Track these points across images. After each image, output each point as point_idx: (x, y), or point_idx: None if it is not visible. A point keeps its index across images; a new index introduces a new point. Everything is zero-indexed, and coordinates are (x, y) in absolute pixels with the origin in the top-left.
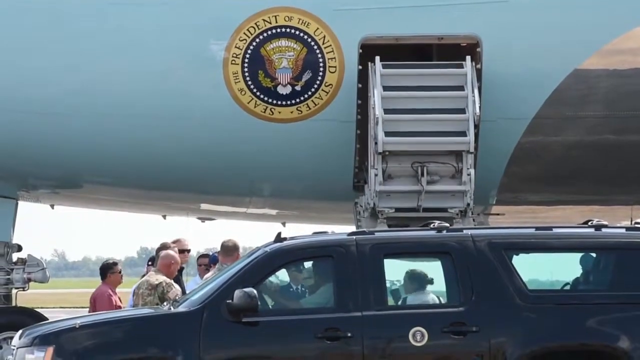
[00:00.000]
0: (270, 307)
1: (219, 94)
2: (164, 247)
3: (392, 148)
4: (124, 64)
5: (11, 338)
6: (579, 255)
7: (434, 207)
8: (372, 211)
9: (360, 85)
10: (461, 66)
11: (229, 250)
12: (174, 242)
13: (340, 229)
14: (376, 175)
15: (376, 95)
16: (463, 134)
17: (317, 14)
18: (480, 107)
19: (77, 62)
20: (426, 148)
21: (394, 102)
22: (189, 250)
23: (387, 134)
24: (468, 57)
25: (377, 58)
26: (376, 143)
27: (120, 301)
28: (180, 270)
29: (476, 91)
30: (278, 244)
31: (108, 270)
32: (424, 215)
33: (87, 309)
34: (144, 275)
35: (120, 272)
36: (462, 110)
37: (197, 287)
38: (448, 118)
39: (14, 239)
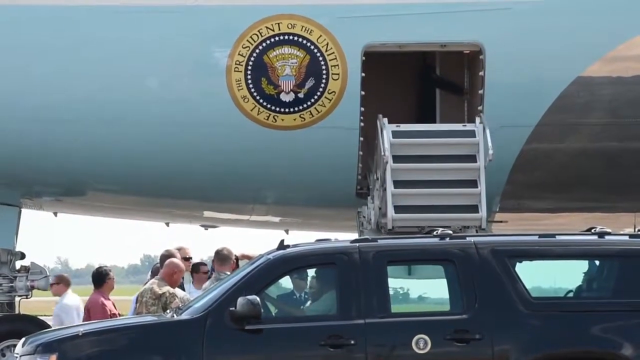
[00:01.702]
0: (273, 314)
1: (222, 101)
2: (168, 254)
3: (401, 224)
4: (126, 71)
5: (14, 346)
6: (582, 262)
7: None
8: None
9: (363, 93)
10: (473, 133)
11: (225, 258)
12: (176, 250)
13: (343, 237)
14: (380, 208)
15: (385, 137)
16: (474, 208)
17: (320, 22)
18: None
19: (80, 70)
20: (437, 224)
21: (403, 174)
22: (191, 258)
23: (397, 208)
24: (478, 124)
25: (386, 121)
26: (385, 203)
27: (115, 307)
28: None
29: (490, 150)
30: (281, 252)
31: (105, 277)
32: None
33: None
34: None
35: (113, 279)
36: (474, 183)
37: (199, 295)
38: (459, 193)
39: (17, 247)
